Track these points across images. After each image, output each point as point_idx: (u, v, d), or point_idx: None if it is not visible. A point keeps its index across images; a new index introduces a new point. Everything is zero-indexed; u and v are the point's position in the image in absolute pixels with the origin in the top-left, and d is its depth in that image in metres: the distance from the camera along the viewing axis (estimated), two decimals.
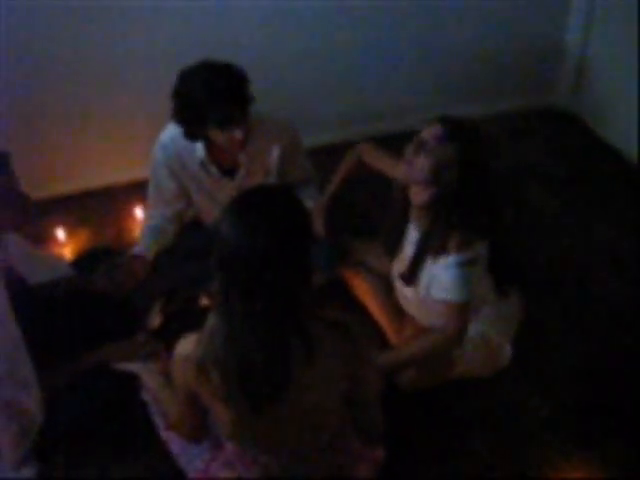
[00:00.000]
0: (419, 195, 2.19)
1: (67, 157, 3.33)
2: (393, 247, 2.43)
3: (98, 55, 3.11)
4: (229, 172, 2.61)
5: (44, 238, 3.12)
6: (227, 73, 2.30)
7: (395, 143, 3.63)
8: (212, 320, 1.60)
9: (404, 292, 2.43)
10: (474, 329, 2.32)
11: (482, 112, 3.83)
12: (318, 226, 2.64)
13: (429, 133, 2.10)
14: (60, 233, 3.13)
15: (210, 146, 2.50)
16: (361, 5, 3.34)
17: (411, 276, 2.29)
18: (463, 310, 2.19)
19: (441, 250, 2.15)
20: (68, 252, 3.10)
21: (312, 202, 2.70)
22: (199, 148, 2.51)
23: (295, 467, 1.83)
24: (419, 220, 2.27)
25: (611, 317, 2.72)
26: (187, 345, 1.66)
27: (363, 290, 2.66)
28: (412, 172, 2.13)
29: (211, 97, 2.27)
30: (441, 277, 2.17)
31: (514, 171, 3.51)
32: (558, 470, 2.22)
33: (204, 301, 2.61)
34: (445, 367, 2.32)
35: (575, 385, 2.47)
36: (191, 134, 2.43)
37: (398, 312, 2.55)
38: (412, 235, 2.31)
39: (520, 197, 3.36)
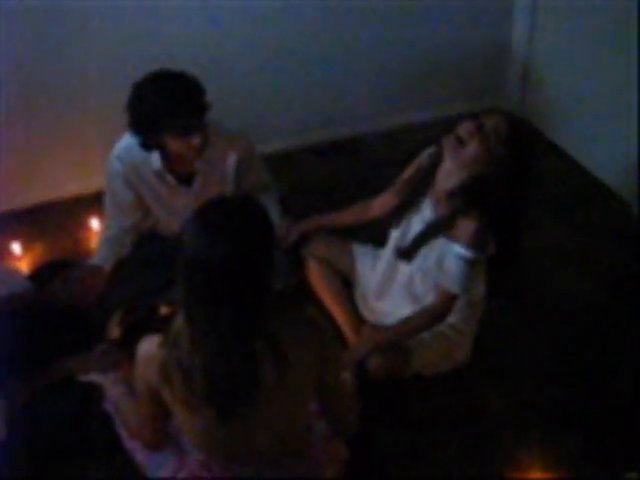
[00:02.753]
0: (449, 179, 2.22)
1: (20, 170, 3.29)
2: (398, 214, 2.45)
3: (51, 67, 3.09)
4: (186, 181, 2.62)
5: None
6: (182, 81, 2.32)
7: (343, 151, 3.72)
8: (177, 324, 1.61)
9: (390, 266, 2.47)
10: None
11: (430, 117, 3.89)
12: (285, 243, 2.71)
13: (492, 125, 2.15)
14: (16, 247, 3.09)
15: (166, 155, 2.51)
16: (314, 12, 3.38)
17: (410, 252, 2.33)
18: (453, 300, 2.27)
19: (451, 236, 2.21)
20: (24, 266, 3.06)
21: (271, 210, 2.72)
22: (155, 158, 2.51)
23: (263, 474, 1.83)
24: (438, 203, 2.29)
25: (569, 315, 2.78)
26: (150, 345, 1.67)
27: (322, 287, 2.68)
28: (460, 151, 2.16)
29: (168, 106, 2.29)
30: (448, 264, 2.22)
31: None
32: (518, 469, 2.25)
33: (164, 310, 2.61)
34: (404, 358, 2.36)
35: (535, 383, 2.52)
36: (148, 144, 2.44)
37: (356, 311, 2.61)
38: (425, 214, 2.33)
39: None
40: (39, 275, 2.74)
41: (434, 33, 3.67)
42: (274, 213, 2.76)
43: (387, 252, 2.50)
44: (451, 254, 2.21)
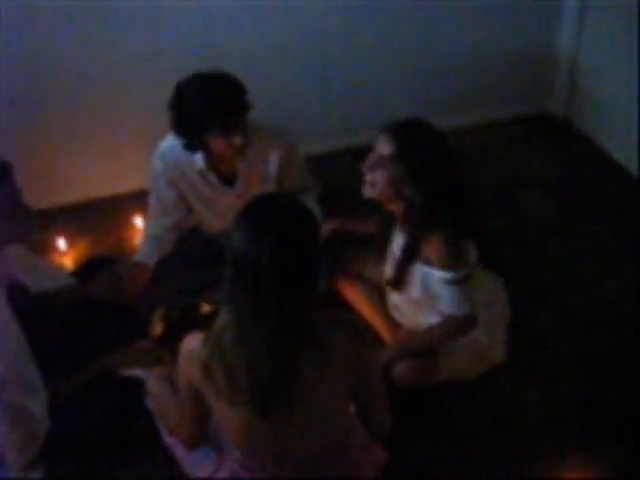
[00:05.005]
0: (393, 207, 2.25)
1: (67, 168, 3.35)
2: (383, 253, 2.47)
3: (99, 67, 3.14)
4: (228, 180, 2.64)
5: (45, 248, 3.13)
6: (223, 81, 2.34)
7: None
8: (221, 321, 1.63)
9: (392, 298, 2.47)
10: None
11: (476, 120, 3.86)
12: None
13: (381, 150, 2.15)
14: (61, 243, 3.14)
15: (209, 155, 2.53)
16: (358, 14, 3.37)
17: (397, 281, 2.32)
18: (465, 320, 2.23)
19: (424, 258, 2.20)
20: (68, 262, 3.11)
21: (312, 208, 2.71)
22: (198, 158, 2.54)
23: (302, 475, 1.84)
24: (403, 228, 2.30)
25: (607, 317, 2.75)
26: (194, 342, 1.68)
27: (358, 299, 2.68)
28: (372, 189, 2.20)
29: (210, 105, 2.31)
30: (436, 289, 2.22)
31: (509, 179, 3.54)
32: (557, 470, 2.23)
33: (205, 308, 2.63)
34: (431, 365, 2.34)
35: (571, 384, 2.50)
36: (191, 145, 2.46)
37: (393, 319, 2.59)
38: (398, 242, 2.33)
39: (516, 204, 3.39)
40: (83, 271, 2.77)
41: (481, 36, 3.65)
42: (315, 213, 2.76)
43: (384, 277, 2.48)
44: (434, 280, 2.20)
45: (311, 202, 2.79)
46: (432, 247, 2.16)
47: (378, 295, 2.64)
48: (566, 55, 3.80)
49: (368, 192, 2.22)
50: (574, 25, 3.68)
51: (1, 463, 1.97)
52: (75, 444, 2.21)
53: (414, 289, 2.31)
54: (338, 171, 3.59)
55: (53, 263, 3.04)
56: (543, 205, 3.38)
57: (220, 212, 2.65)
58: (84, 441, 2.23)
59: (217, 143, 2.41)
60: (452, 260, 2.16)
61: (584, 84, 3.81)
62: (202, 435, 1.93)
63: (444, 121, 3.80)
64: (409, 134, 2.14)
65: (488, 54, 3.71)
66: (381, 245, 2.48)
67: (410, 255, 2.24)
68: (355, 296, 2.69)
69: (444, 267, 2.16)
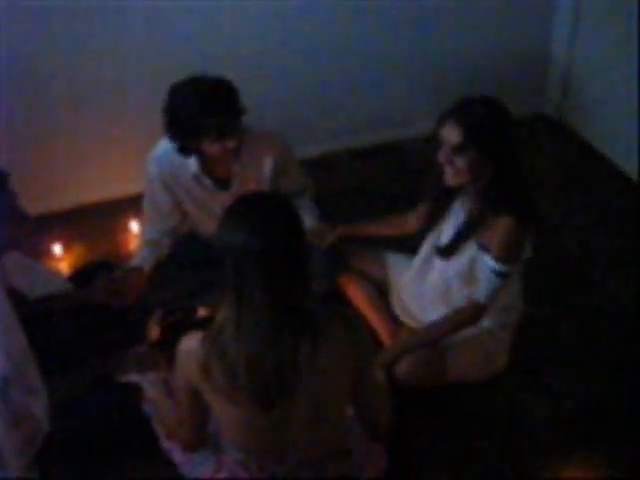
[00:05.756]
0: (474, 188, 2.23)
1: (62, 173, 3.35)
2: (433, 220, 2.45)
3: (91, 72, 3.15)
4: (223, 184, 2.64)
5: (41, 253, 3.13)
6: (216, 85, 2.34)
7: (384, 155, 3.72)
8: (219, 319, 1.64)
9: (408, 288, 2.49)
10: (471, 332, 2.36)
11: None
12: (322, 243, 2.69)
13: (450, 139, 2.14)
14: (57, 248, 3.15)
15: (203, 159, 2.53)
16: (355, 15, 3.38)
17: (451, 249, 2.32)
18: (481, 308, 2.26)
19: (482, 243, 2.21)
20: (64, 267, 3.12)
21: (307, 212, 2.73)
22: (192, 162, 2.54)
23: (302, 474, 1.85)
24: (466, 198, 2.29)
25: (610, 318, 2.76)
26: (191, 342, 1.69)
27: (358, 296, 2.69)
28: (456, 177, 2.18)
29: (203, 109, 2.31)
30: (479, 272, 2.24)
31: None
32: (560, 471, 2.24)
33: (201, 312, 2.63)
34: (436, 360, 2.34)
35: (575, 385, 2.50)
36: (184, 149, 2.46)
37: (393, 317, 2.60)
38: (458, 212, 2.33)
39: None
40: (79, 276, 2.78)
41: (474, 37, 3.66)
42: (311, 214, 2.76)
43: (422, 251, 2.49)
44: (482, 263, 2.22)
45: (307, 203, 2.80)
46: (496, 233, 2.16)
47: (379, 293, 2.66)
48: (559, 56, 3.81)
49: (453, 180, 2.20)
50: (567, 26, 3.68)
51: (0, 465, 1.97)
52: (71, 448, 2.22)
53: (457, 266, 2.32)
54: (337, 173, 3.61)
55: (49, 268, 3.04)
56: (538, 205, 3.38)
57: (215, 215, 2.64)
58: (80, 445, 2.23)
59: (211, 147, 2.41)
60: (510, 252, 2.17)
61: (577, 85, 3.82)
62: (200, 438, 1.94)
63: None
64: (472, 116, 2.14)
65: (481, 55, 3.73)
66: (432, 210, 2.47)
67: (471, 230, 2.25)
68: (355, 293, 2.70)
69: (501, 257, 2.17)
